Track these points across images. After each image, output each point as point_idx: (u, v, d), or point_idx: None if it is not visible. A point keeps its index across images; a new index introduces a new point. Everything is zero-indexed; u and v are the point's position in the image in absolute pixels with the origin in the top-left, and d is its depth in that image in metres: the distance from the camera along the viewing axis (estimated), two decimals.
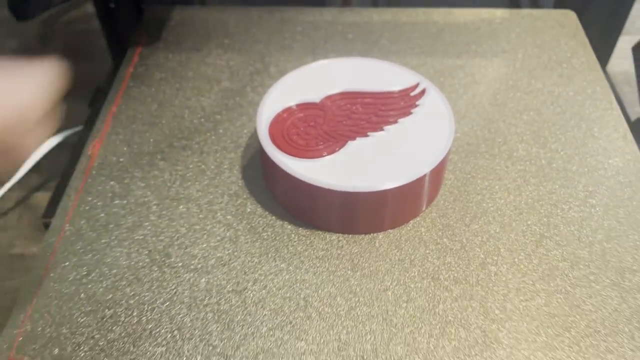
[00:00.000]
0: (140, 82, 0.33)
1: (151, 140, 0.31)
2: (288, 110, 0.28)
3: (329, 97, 0.28)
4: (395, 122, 0.27)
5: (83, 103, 0.49)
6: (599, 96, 0.33)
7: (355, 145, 0.26)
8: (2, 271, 0.41)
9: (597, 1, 0.41)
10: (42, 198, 0.45)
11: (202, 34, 0.37)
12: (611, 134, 0.31)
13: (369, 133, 0.27)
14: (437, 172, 0.27)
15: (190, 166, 0.29)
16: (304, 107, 0.28)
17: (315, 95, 0.28)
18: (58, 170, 0.43)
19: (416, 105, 0.28)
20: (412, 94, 0.29)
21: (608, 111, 0.32)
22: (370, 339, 0.23)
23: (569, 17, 0.38)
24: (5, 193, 0.42)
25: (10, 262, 0.42)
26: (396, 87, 0.29)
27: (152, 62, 0.34)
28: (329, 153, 0.26)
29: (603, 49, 0.44)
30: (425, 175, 0.25)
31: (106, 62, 0.48)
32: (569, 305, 0.24)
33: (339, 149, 0.26)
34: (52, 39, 0.59)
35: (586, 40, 0.36)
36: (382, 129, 0.27)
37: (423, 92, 0.29)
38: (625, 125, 0.31)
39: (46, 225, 0.38)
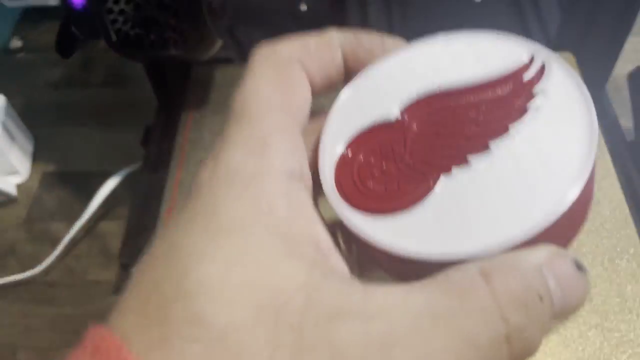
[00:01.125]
0: (198, 148, 0.39)
1: None
2: (355, 141, 0.20)
3: (407, 110, 0.20)
4: (506, 130, 0.18)
5: (131, 132, 0.54)
6: None
7: (453, 182, 0.18)
8: (82, 296, 0.48)
9: (592, 39, 0.45)
10: (106, 226, 0.51)
11: None
12: None
13: (469, 157, 0.18)
14: (583, 200, 0.18)
15: None
16: (375, 131, 0.20)
17: (388, 108, 0.20)
18: (115, 199, 0.50)
19: (533, 96, 0.18)
20: (526, 76, 0.19)
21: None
22: None
23: (567, 61, 0.43)
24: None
25: (88, 287, 0.49)
26: (500, 71, 0.19)
27: (205, 126, 0.40)
28: (418, 200, 0.18)
29: (599, 78, 0.48)
30: (563, 214, 0.17)
31: (146, 87, 0.53)
32: None
33: (431, 191, 0.18)
34: (93, 64, 0.64)
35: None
36: (487, 147, 0.18)
37: (542, 70, 0.19)
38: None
39: (123, 266, 0.44)
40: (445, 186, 0.18)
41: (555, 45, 0.47)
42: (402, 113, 0.20)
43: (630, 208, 0.36)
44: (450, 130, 0.19)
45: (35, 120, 0.58)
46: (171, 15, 0.33)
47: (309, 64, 0.18)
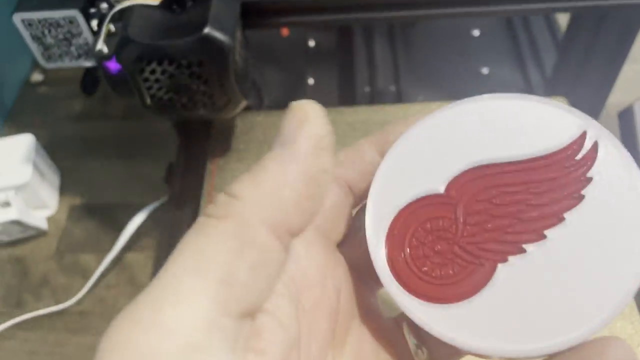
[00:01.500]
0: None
1: None
2: (402, 215, 0.18)
3: (454, 184, 0.18)
4: (562, 220, 0.17)
5: (153, 164, 0.58)
6: None
7: (510, 271, 0.17)
8: None
9: (583, 81, 0.48)
10: (133, 258, 0.55)
11: (262, 140, 0.45)
12: None
13: (525, 245, 0.17)
14: None
15: None
16: (423, 206, 0.18)
17: (433, 181, 0.18)
18: (140, 231, 0.53)
19: (588, 180, 0.17)
20: (580, 155, 0.17)
21: None
22: None
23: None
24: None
25: None
26: (550, 146, 0.18)
27: (228, 174, 0.43)
28: (476, 290, 0.17)
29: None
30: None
31: (165, 121, 0.56)
32: None
33: (489, 280, 0.17)
34: (113, 97, 0.67)
35: None
36: (543, 236, 0.17)
37: (595, 148, 0.17)
38: None
39: None
40: (503, 275, 0.17)
41: (551, 84, 0.51)
42: (449, 187, 0.18)
43: None
44: (502, 212, 0.18)
45: (59, 153, 0.62)
46: (202, 82, 0.37)
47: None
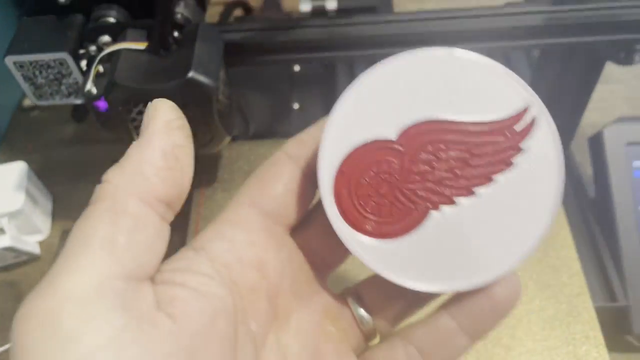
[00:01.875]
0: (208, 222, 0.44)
1: None
2: (353, 156, 0.20)
3: (407, 131, 0.19)
4: (490, 180, 0.19)
5: None
6: None
7: (440, 218, 0.20)
8: None
9: (559, 97, 0.50)
10: None
11: (248, 170, 0.47)
12: None
13: (455, 198, 0.20)
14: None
15: None
16: (373, 149, 0.20)
17: (385, 128, 0.19)
18: None
19: (520, 150, 0.19)
20: (518, 127, 0.19)
21: None
22: None
23: None
24: None
25: None
26: (496, 113, 0.19)
27: (215, 203, 0.45)
28: (408, 230, 0.20)
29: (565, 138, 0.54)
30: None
31: None
32: None
33: (420, 224, 0.20)
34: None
35: None
36: (472, 192, 0.20)
37: (532, 124, 0.19)
38: None
39: None
40: (433, 221, 0.20)
41: None
42: (400, 135, 0.20)
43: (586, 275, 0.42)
44: (443, 165, 0.20)
45: (51, 178, 0.63)
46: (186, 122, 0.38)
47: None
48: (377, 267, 0.20)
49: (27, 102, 0.71)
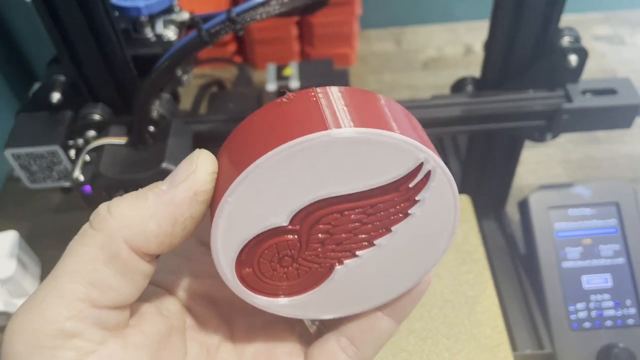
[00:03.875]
0: None
1: None
2: (249, 248, 0.20)
3: (299, 214, 0.20)
4: (389, 231, 0.20)
5: None
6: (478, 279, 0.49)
7: (343, 271, 0.21)
8: None
9: (486, 181, 0.58)
10: None
11: None
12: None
13: (358, 252, 0.21)
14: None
15: None
16: (270, 236, 0.20)
17: (276, 216, 0.19)
18: None
19: (416, 202, 0.20)
20: (413, 183, 0.19)
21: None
22: None
23: (463, 202, 0.55)
24: None
25: None
26: (390, 175, 0.19)
27: None
28: (317, 284, 0.21)
29: (498, 205, 0.61)
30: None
31: None
32: None
33: (328, 277, 0.21)
34: None
35: (476, 225, 0.53)
36: (372, 244, 0.21)
37: (428, 176, 0.19)
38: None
39: None
40: (339, 273, 0.21)
41: (461, 186, 0.60)
42: (293, 220, 0.19)
43: (507, 328, 0.48)
44: (340, 230, 0.20)
45: (40, 243, 0.69)
46: None
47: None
48: (296, 315, 0.22)
49: (17, 173, 0.77)
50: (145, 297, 0.21)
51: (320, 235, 0.20)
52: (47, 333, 0.17)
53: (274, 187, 0.19)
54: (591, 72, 0.83)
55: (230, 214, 0.19)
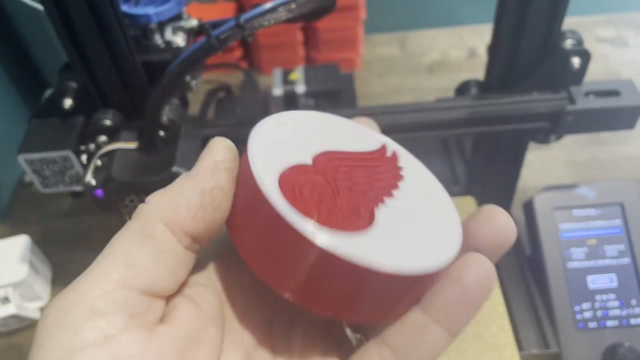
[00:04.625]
0: None
1: None
2: (285, 176, 0.20)
3: (318, 158, 0.22)
4: (396, 185, 0.22)
5: None
6: None
7: (385, 214, 0.21)
8: None
9: (490, 182, 0.58)
10: None
11: None
12: None
13: (385, 199, 0.22)
14: None
15: None
16: (298, 172, 0.21)
17: (302, 155, 0.22)
18: None
19: (400, 168, 0.23)
20: (388, 154, 0.24)
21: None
22: None
23: (468, 203, 0.56)
24: None
25: None
26: (368, 146, 0.23)
27: None
28: (366, 227, 0.20)
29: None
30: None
31: None
32: None
33: (374, 219, 0.21)
34: None
35: None
36: (392, 194, 0.22)
37: (395, 155, 0.24)
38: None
39: None
40: (382, 217, 0.20)
41: (466, 187, 0.61)
42: (315, 161, 0.21)
43: (513, 328, 0.49)
44: (359, 180, 0.22)
45: (51, 247, 0.70)
46: None
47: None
48: (357, 257, 0.18)
49: (28, 178, 0.78)
50: (182, 289, 0.21)
51: (345, 182, 0.21)
52: (75, 310, 0.18)
53: (290, 138, 0.22)
54: (595, 74, 0.84)
55: (260, 148, 0.20)
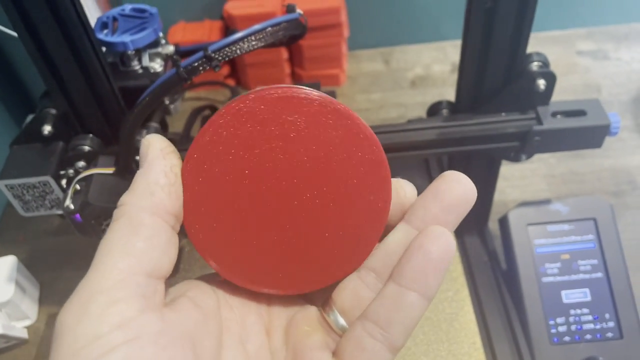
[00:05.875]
0: None
1: None
2: None
3: None
4: None
5: None
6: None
7: None
8: None
9: None
10: None
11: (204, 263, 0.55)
12: None
13: None
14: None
15: None
16: None
17: None
18: None
19: None
20: None
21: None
22: None
23: None
24: None
25: None
26: None
27: None
28: None
29: (481, 220, 0.63)
30: None
31: None
32: None
33: None
34: None
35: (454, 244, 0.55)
36: None
37: None
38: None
39: None
40: None
41: None
42: None
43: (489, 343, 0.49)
44: None
45: (38, 266, 0.71)
46: None
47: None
48: None
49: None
50: (179, 289, 0.24)
51: None
52: (95, 302, 0.19)
53: None
54: (576, 87, 0.85)
55: None
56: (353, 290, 0.24)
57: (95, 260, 0.21)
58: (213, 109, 0.81)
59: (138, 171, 0.23)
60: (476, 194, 0.23)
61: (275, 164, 0.23)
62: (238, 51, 0.40)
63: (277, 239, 0.24)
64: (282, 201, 0.23)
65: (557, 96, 0.50)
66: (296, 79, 0.90)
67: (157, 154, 0.22)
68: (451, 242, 0.22)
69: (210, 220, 0.23)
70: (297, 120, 0.22)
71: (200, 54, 0.40)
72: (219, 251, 0.24)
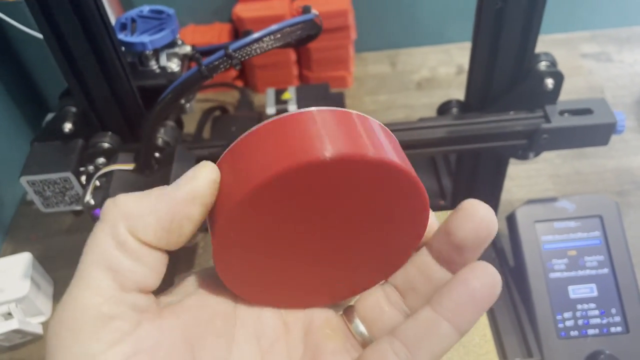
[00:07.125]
0: None
1: None
2: None
3: None
4: None
5: None
6: None
7: None
8: None
9: (476, 193, 0.61)
10: None
11: None
12: None
13: None
14: None
15: None
16: None
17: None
18: None
19: None
20: None
21: None
22: None
23: None
24: None
25: None
26: None
27: None
28: None
29: None
30: None
31: None
32: None
33: None
34: None
35: None
36: None
37: None
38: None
39: None
40: None
41: (452, 202, 0.63)
42: None
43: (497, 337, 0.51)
44: None
45: (52, 264, 0.72)
46: None
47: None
48: None
49: (30, 197, 0.80)
50: (191, 284, 0.23)
51: None
52: (87, 319, 0.19)
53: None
54: (579, 89, 0.86)
55: None
56: (376, 302, 0.24)
57: (80, 264, 0.20)
58: (223, 110, 0.82)
59: (165, 187, 0.21)
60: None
61: (315, 209, 0.21)
62: (258, 50, 0.41)
63: (309, 268, 0.23)
64: (317, 234, 0.22)
65: (561, 98, 0.52)
66: (304, 80, 0.91)
67: (185, 196, 0.20)
68: (497, 280, 0.21)
69: (240, 253, 0.22)
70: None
71: (221, 52, 0.41)
72: (243, 282, 0.23)
